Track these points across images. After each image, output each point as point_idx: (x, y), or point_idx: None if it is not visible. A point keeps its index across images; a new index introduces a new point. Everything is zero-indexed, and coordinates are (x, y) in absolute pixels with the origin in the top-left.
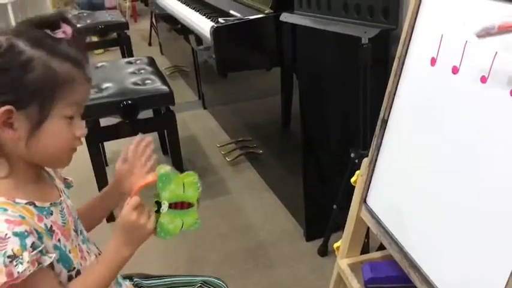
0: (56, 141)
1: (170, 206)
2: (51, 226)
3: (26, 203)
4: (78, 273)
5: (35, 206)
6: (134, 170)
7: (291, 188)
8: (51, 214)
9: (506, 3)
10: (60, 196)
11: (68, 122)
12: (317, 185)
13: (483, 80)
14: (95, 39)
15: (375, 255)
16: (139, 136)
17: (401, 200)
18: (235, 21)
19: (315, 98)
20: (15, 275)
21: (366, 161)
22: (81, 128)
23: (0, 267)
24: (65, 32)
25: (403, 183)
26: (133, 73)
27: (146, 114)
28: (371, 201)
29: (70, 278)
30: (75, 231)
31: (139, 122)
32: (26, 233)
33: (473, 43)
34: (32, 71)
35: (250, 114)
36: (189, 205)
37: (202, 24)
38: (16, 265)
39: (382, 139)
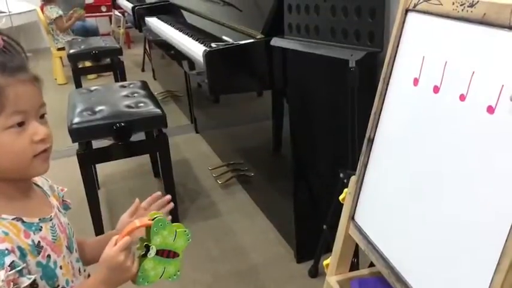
0: (7, 152)
1: (157, 253)
2: (39, 242)
3: (13, 219)
4: None
5: (23, 222)
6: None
7: (281, 210)
8: (40, 230)
9: (483, 26)
10: (52, 212)
11: (15, 131)
12: (307, 206)
13: (462, 98)
14: (88, 64)
15: (364, 271)
16: (159, 193)
17: (387, 216)
18: (227, 46)
19: (305, 120)
20: None
21: (353, 179)
22: (38, 132)
23: None
24: None
25: (389, 200)
26: (127, 96)
27: (139, 137)
28: (359, 218)
29: None
30: (68, 248)
31: (132, 144)
32: (6, 251)
33: (452, 64)
34: None
35: (242, 138)
36: (175, 255)
37: (195, 49)
38: None
39: (368, 157)
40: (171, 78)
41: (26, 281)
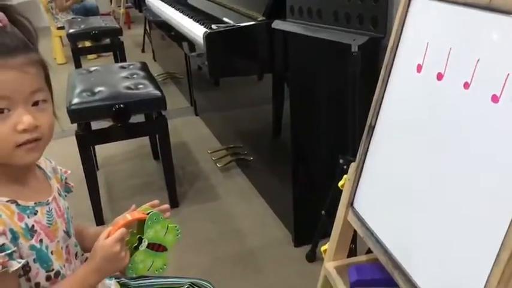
0: None
1: (148, 246)
2: (32, 226)
3: (7, 201)
4: (57, 274)
5: (17, 204)
6: None
7: (280, 195)
8: (35, 214)
9: (488, 12)
10: (50, 196)
11: None
12: (306, 191)
13: (466, 86)
14: (88, 44)
15: (362, 258)
16: (157, 201)
17: (386, 203)
18: (227, 28)
19: (305, 105)
20: None
21: (353, 165)
22: (21, 122)
23: None
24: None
25: (389, 187)
26: (126, 77)
27: (138, 119)
28: (358, 204)
29: (48, 278)
30: (66, 232)
31: (131, 126)
32: None
33: (457, 51)
34: None
35: (242, 122)
36: (164, 249)
37: (196, 30)
38: None
39: (369, 144)
40: (171, 59)
41: (15, 264)
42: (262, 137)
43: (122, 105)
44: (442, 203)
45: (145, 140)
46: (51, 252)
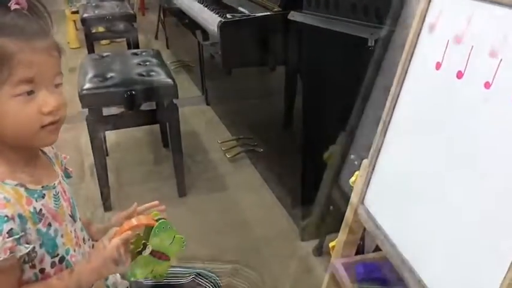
0: (13, 121)
1: (151, 252)
2: (40, 210)
3: (16, 185)
4: (61, 259)
5: (26, 188)
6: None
7: (289, 188)
8: (43, 197)
9: None
10: (56, 180)
11: (23, 100)
12: (315, 185)
13: (487, 85)
14: (101, 29)
15: (369, 256)
16: (157, 202)
17: (398, 201)
18: (242, 17)
19: (318, 98)
20: None
21: (365, 162)
22: (47, 103)
23: None
24: (18, 2)
25: (401, 186)
26: (139, 64)
27: (149, 106)
28: (368, 201)
29: (53, 265)
30: (72, 216)
31: (142, 113)
32: (5, 218)
33: (479, 49)
34: None
35: (253, 113)
36: (166, 258)
37: (210, 19)
38: None
39: (382, 142)
40: (185, 48)
41: (23, 249)
42: (272, 129)
43: (133, 92)
44: (456, 203)
45: (155, 128)
46: (61, 236)
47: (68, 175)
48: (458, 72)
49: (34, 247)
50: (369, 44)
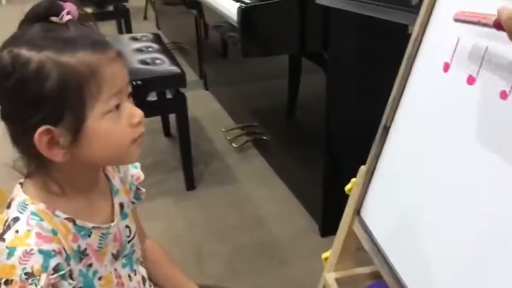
0: (108, 140)
1: None
2: (85, 249)
3: (66, 218)
4: None
5: (75, 223)
6: None
7: (303, 179)
8: (89, 236)
9: None
10: (112, 221)
11: (114, 116)
12: (336, 179)
13: (503, 95)
14: (89, 11)
15: (365, 270)
16: None
17: (398, 216)
18: (264, 1)
19: (344, 87)
20: None
21: (362, 169)
22: (134, 114)
23: (16, 279)
24: (70, 12)
25: (403, 198)
26: (140, 51)
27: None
28: (365, 213)
29: None
30: (114, 255)
31: (148, 104)
32: (52, 253)
33: (494, 51)
34: (48, 78)
35: (256, 98)
36: None
37: (226, 3)
38: (31, 284)
39: (382, 147)
40: (178, 28)
41: (66, 285)
42: (277, 115)
43: (139, 82)
44: (465, 221)
45: (156, 116)
46: (99, 278)
47: (138, 197)
48: (469, 77)
49: (75, 285)
50: (409, 32)
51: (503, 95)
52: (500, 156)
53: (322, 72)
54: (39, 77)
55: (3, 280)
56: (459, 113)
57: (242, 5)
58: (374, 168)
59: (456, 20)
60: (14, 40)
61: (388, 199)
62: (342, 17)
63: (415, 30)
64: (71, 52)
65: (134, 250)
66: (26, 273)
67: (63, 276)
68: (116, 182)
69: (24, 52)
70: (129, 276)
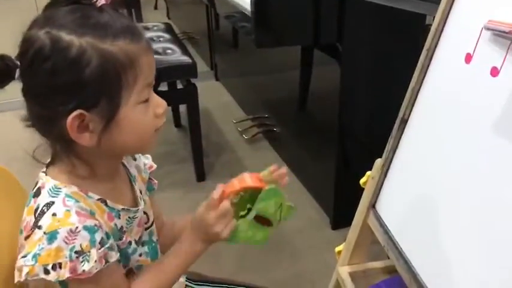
0: (136, 129)
1: (254, 217)
2: (122, 227)
3: (98, 199)
4: (129, 271)
5: (106, 204)
6: None
7: (315, 172)
8: (119, 217)
9: None
10: (138, 205)
11: (144, 106)
12: (347, 172)
13: None
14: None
15: (379, 264)
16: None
17: (415, 210)
18: None
19: (358, 80)
20: (79, 271)
21: (378, 162)
22: (159, 104)
23: (65, 260)
24: None
25: (420, 192)
26: (152, 40)
27: (163, 87)
28: (380, 207)
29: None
30: (136, 242)
31: (160, 94)
32: (95, 227)
33: None
34: (89, 64)
35: (267, 89)
36: (269, 223)
37: None
38: (82, 262)
39: (399, 140)
40: (188, 18)
41: (114, 255)
42: (289, 107)
43: None
44: (483, 214)
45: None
46: (140, 255)
47: (151, 187)
48: (493, 68)
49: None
50: (428, 23)
51: None
52: None
53: (334, 64)
54: (80, 63)
55: (50, 266)
56: (482, 105)
57: None
58: (390, 161)
59: (487, 29)
60: (50, 21)
61: (404, 193)
62: (358, 7)
63: (435, 21)
64: (111, 40)
65: (146, 241)
66: (76, 252)
67: (109, 248)
68: (133, 170)
69: (64, 36)
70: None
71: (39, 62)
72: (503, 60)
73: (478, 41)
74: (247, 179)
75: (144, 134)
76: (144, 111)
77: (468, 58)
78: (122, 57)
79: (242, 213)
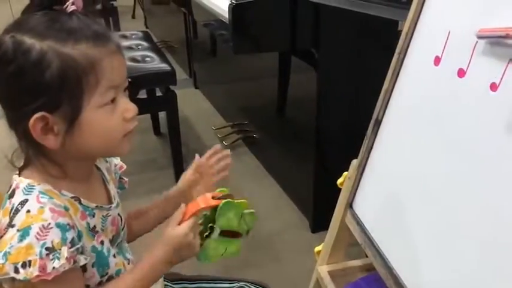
0: (100, 132)
1: (221, 233)
2: (94, 226)
3: (72, 197)
4: (109, 278)
5: (80, 202)
6: (203, 179)
7: (293, 176)
8: (93, 216)
9: None
10: (111, 203)
11: (109, 109)
12: (326, 175)
13: (493, 87)
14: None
15: (357, 262)
16: (218, 146)
17: (390, 208)
18: None
19: (334, 85)
20: (49, 269)
21: (354, 163)
22: (128, 109)
23: (35, 258)
24: (74, 2)
25: (395, 191)
26: (130, 48)
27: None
28: (357, 206)
29: (99, 284)
30: (111, 241)
31: (138, 102)
32: (68, 227)
33: (485, 45)
34: (49, 67)
35: (246, 96)
36: (238, 235)
37: (216, 1)
38: (52, 259)
39: (374, 141)
40: (166, 27)
41: (82, 260)
42: (267, 113)
43: (129, 80)
44: (452, 216)
45: (145, 114)
46: (114, 256)
47: (122, 186)
48: (460, 70)
49: (86, 263)
50: (400, 28)
51: (493, 87)
52: (490, 148)
53: (311, 70)
54: (40, 66)
55: (19, 264)
56: (450, 105)
57: (233, 1)
58: (366, 161)
59: (480, 37)
60: (17, 26)
61: (380, 192)
62: (333, 14)
63: (406, 26)
64: (72, 43)
65: (120, 242)
66: (46, 248)
67: (78, 250)
68: (105, 171)
69: (27, 39)
70: (123, 264)
71: (4, 64)
72: (469, 62)
73: (445, 44)
74: (200, 202)
75: (111, 137)
76: (109, 114)
77: (437, 61)
78: (82, 61)
79: (206, 233)
